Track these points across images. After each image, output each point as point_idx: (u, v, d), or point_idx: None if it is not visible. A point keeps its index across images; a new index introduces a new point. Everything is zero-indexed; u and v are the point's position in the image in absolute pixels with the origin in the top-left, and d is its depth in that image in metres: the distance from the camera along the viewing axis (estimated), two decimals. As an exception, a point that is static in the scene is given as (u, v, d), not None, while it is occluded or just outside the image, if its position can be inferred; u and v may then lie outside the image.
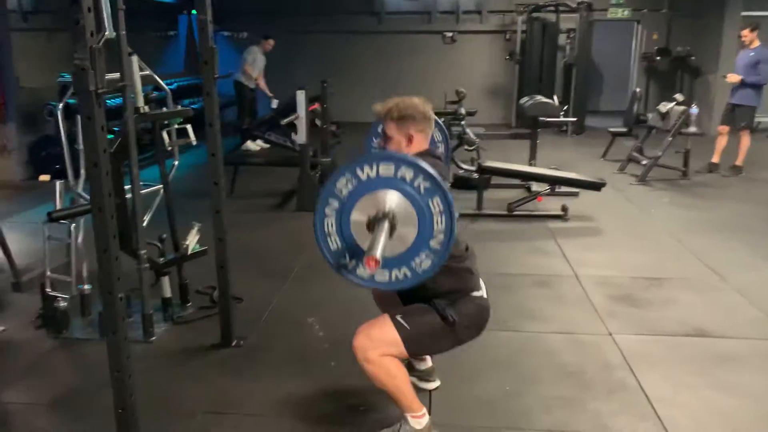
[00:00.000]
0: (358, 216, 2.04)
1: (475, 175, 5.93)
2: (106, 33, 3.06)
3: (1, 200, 6.20)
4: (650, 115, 8.14)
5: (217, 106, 3.05)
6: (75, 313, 3.51)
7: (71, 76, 1.93)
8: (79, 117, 2.09)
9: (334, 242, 2.10)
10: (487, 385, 2.89)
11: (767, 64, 7.11)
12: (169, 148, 3.68)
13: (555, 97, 9.22)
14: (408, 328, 2.28)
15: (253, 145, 8.82)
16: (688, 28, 11.26)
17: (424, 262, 2.06)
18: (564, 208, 5.68)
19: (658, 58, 11.44)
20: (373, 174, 2.01)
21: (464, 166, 6.12)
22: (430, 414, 2.60)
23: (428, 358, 2.84)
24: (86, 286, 3.55)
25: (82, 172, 3.39)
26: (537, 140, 6.92)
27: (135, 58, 3.28)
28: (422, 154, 2.33)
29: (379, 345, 2.27)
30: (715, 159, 7.61)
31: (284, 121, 5.94)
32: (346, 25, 12.05)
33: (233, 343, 3.28)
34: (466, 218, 5.64)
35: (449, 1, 11.98)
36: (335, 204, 2.05)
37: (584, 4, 10.47)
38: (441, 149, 3.36)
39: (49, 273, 3.49)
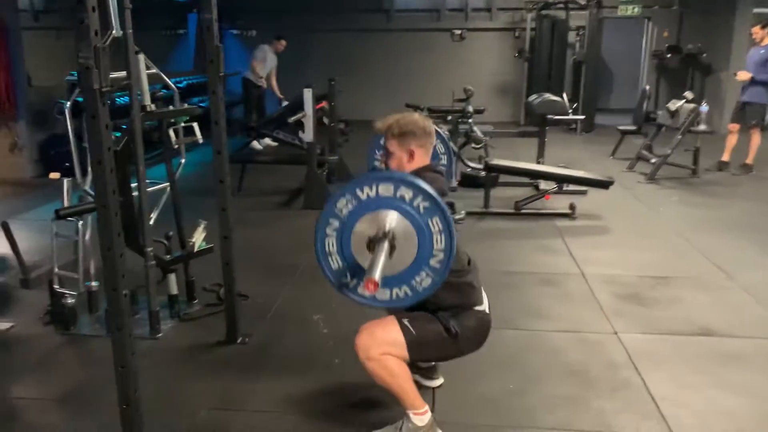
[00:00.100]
0: (359, 236, 2.08)
1: (483, 174, 5.92)
2: (113, 32, 3.11)
3: (12, 198, 6.26)
4: (660, 113, 8.10)
5: (224, 104, 3.06)
6: (82, 310, 3.54)
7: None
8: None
9: (335, 261, 2.13)
10: (491, 384, 2.89)
11: (778, 62, 7.05)
12: (176, 146, 3.70)
13: (564, 95, 9.20)
14: (413, 332, 2.31)
15: (257, 145, 8.84)
16: (699, 25, 11.19)
17: (424, 281, 2.10)
18: (572, 207, 5.66)
19: (669, 55, 11.38)
20: (372, 194, 2.04)
21: (471, 164, 6.11)
22: (433, 411, 2.61)
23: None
24: (93, 283, 3.58)
25: (89, 170, 3.42)
26: (545, 138, 6.89)
27: (142, 57, 3.30)
28: (423, 170, 2.37)
29: (382, 344, 2.28)
30: (726, 157, 7.56)
31: (291, 119, 5.96)
32: (356, 23, 12.07)
33: (239, 340, 3.30)
34: (473, 216, 5.65)
35: (458, -1, 12.00)
36: (336, 224, 2.08)
37: (594, 1, 10.42)
38: (444, 161, 3.38)
39: (56, 270, 3.52)
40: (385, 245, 1.98)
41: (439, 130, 3.34)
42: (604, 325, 3.51)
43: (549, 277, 4.26)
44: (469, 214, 5.67)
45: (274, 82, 9.85)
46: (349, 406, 2.73)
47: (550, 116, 6.87)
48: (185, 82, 10.10)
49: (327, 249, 2.12)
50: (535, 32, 11.37)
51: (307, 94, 5.62)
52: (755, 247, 4.82)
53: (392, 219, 2.03)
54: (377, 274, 1.87)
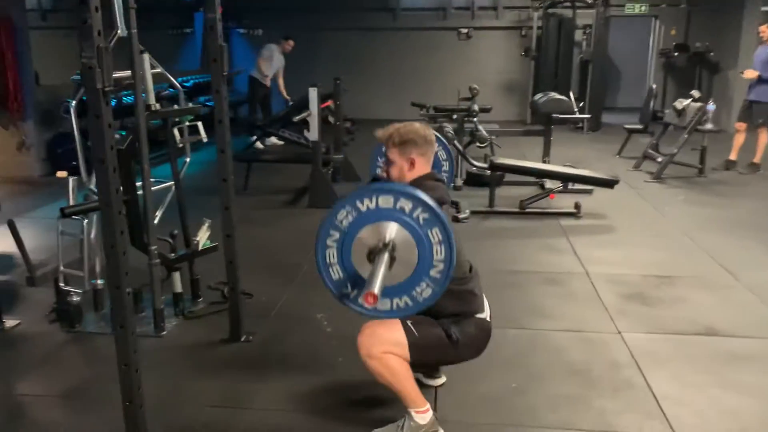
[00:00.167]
0: (359, 247, 2.10)
1: (488, 173, 5.92)
2: (118, 31, 3.13)
3: (20, 196, 6.30)
4: (667, 112, 8.07)
5: (227, 103, 3.07)
6: (88, 308, 3.57)
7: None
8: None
9: (336, 272, 2.16)
10: (493, 383, 2.89)
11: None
12: (180, 145, 3.71)
13: (571, 94, 9.17)
14: (416, 334, 2.33)
15: (260, 145, 8.86)
16: (707, 24, 11.14)
17: (424, 291, 2.12)
18: (577, 206, 5.65)
19: (676, 54, 11.32)
20: (372, 205, 2.07)
21: (476, 163, 6.10)
22: (435, 410, 2.62)
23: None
24: (99, 281, 3.61)
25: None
26: (551, 137, 6.87)
27: (146, 56, 3.31)
28: (424, 178, 2.40)
29: (384, 343, 2.29)
30: (733, 156, 7.53)
31: (296, 118, 5.97)
32: (362, 22, 12.07)
33: (242, 338, 3.32)
34: (477, 215, 5.65)
35: (464, -3, 11.98)
36: (336, 235, 2.11)
37: (601, -1, 10.39)
38: (446, 167, 3.39)
39: (62, 268, 3.55)
40: (385, 257, 2.01)
41: (440, 136, 3.36)
42: (607, 324, 3.51)
43: (553, 276, 4.25)
44: (473, 213, 5.67)
45: (281, 83, 9.86)
46: (352, 404, 2.74)
47: (555, 115, 6.84)
48: (192, 81, 10.14)
49: (328, 260, 2.15)
50: (541, 31, 11.34)
51: (312, 93, 5.63)
52: (761, 246, 4.79)
53: (392, 230, 2.06)
54: (376, 288, 1.89)
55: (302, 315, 3.60)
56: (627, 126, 8.56)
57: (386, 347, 2.28)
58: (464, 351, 2.44)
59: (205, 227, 3.70)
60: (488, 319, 2.52)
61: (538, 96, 7.45)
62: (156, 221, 3.55)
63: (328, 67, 10.40)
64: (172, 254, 3.61)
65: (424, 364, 2.56)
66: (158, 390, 2.78)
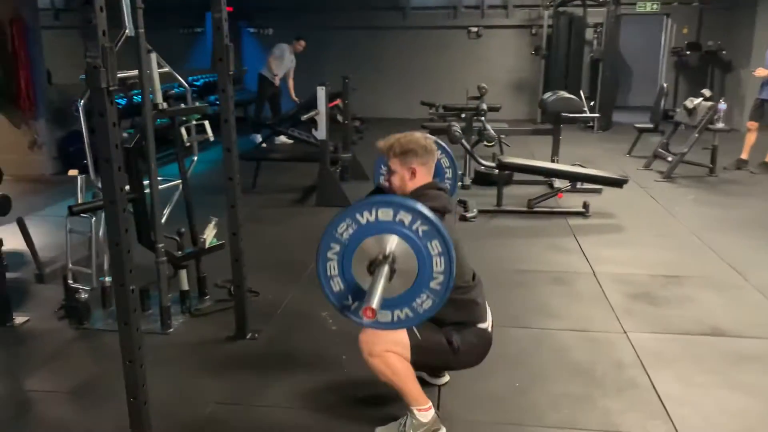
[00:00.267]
0: (360, 259, 2.12)
1: (496, 171, 5.91)
2: (126, 31, 3.16)
3: (31, 194, 6.36)
4: (678, 111, 8.02)
5: (233, 102, 3.09)
6: (96, 305, 3.60)
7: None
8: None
9: (337, 284, 2.18)
10: (497, 382, 2.89)
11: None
12: (188, 144, 3.74)
13: (581, 93, 9.13)
14: (419, 337, 2.35)
15: (259, 138, 8.90)
16: (720, 22, 11.05)
17: (425, 303, 2.14)
18: (585, 205, 5.63)
19: (688, 52, 11.24)
20: (372, 218, 2.09)
21: (484, 162, 6.10)
22: (438, 408, 2.63)
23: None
24: (107, 279, 3.64)
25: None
26: (560, 136, 6.85)
27: (154, 56, 3.34)
28: (426, 187, 2.42)
29: (386, 342, 2.31)
30: (744, 155, 7.46)
31: (304, 117, 5.99)
32: (372, 21, 12.08)
33: (248, 336, 3.34)
34: (485, 214, 5.64)
35: (475, -4, 11.96)
36: (337, 247, 2.13)
37: (612, -3, 10.33)
38: (449, 174, 3.40)
39: (70, 265, 3.59)
40: (385, 269, 2.02)
41: (443, 144, 3.36)
42: (613, 324, 3.50)
43: (560, 275, 4.24)
44: (481, 212, 5.66)
45: (290, 84, 9.88)
46: (355, 402, 2.75)
47: (564, 114, 6.81)
48: (202, 80, 10.19)
49: (329, 272, 2.17)
50: (552, 29, 11.30)
51: (320, 92, 5.64)
52: (771, 246, 4.76)
53: (392, 243, 2.08)
54: (375, 302, 1.91)
55: (308, 313, 3.62)
56: (637, 125, 8.51)
57: (388, 346, 2.29)
58: (464, 359, 2.47)
59: (211, 225, 3.72)
60: (489, 329, 2.54)
61: (547, 95, 7.44)
62: (163, 219, 3.58)
63: (337, 66, 10.42)
64: (179, 252, 3.64)
65: (423, 366, 2.57)
66: (164, 386, 2.81)
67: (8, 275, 3.60)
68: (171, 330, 3.43)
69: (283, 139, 8.75)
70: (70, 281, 3.54)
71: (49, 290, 3.82)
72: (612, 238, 5.08)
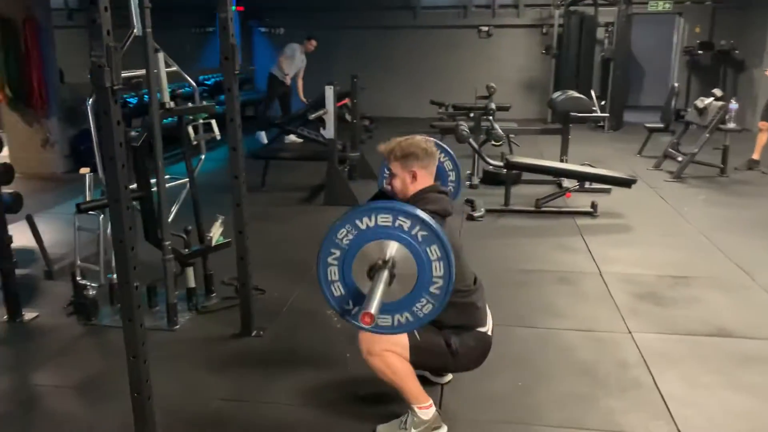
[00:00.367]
0: (360, 264, 2.13)
1: (504, 171, 5.90)
2: (135, 30, 3.19)
3: (43, 192, 6.43)
4: (689, 110, 7.96)
5: (238, 101, 3.11)
6: (104, 302, 3.64)
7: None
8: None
9: (338, 289, 2.20)
10: (500, 381, 2.90)
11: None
12: (195, 143, 3.77)
13: (592, 92, 9.09)
14: (418, 338, 2.37)
15: (264, 139, 8.96)
16: (733, 21, 10.95)
17: (425, 307, 2.15)
18: (593, 205, 5.61)
19: (700, 52, 11.15)
20: (372, 224, 2.10)
21: (492, 162, 6.09)
22: (440, 407, 2.65)
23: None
24: (114, 276, 3.67)
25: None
26: (568, 136, 6.83)
27: (161, 55, 3.37)
28: (427, 191, 2.43)
29: (385, 341, 2.32)
30: (756, 156, 7.40)
31: (312, 116, 6.01)
32: (382, 20, 12.09)
33: (253, 333, 3.37)
34: (493, 214, 5.64)
35: (485, -4, 11.94)
36: (337, 253, 2.15)
37: (623, -4, 10.27)
38: (453, 177, 3.40)
39: (79, 262, 3.63)
40: (384, 275, 2.04)
41: (446, 147, 3.36)
42: (618, 324, 3.49)
43: (566, 275, 4.24)
44: (489, 211, 5.66)
45: (300, 84, 9.91)
46: (358, 400, 2.76)
47: (573, 114, 6.79)
48: (213, 80, 10.25)
49: (329, 277, 2.19)
50: (562, 29, 11.25)
51: (329, 92, 5.66)
52: (781, 247, 4.72)
53: (392, 248, 2.10)
54: (373, 308, 1.92)
55: (313, 311, 3.63)
56: (648, 125, 8.47)
57: (386, 345, 2.31)
58: (462, 362, 2.48)
59: (218, 224, 3.75)
60: (489, 333, 2.55)
61: (556, 94, 7.41)
62: (171, 217, 3.61)
63: (348, 65, 10.44)
64: (186, 250, 3.67)
65: (421, 367, 2.58)
66: (169, 383, 2.84)
67: (18, 271, 3.65)
68: (177, 327, 3.46)
69: (292, 138, 8.78)
70: (79, 278, 3.58)
71: (58, 287, 3.87)
72: (620, 238, 5.06)
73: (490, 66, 11.74)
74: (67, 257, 4.00)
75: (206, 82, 9.92)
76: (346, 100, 6.99)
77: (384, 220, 2.09)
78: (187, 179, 3.84)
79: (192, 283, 3.69)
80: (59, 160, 7.38)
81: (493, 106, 6.84)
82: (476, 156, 6.52)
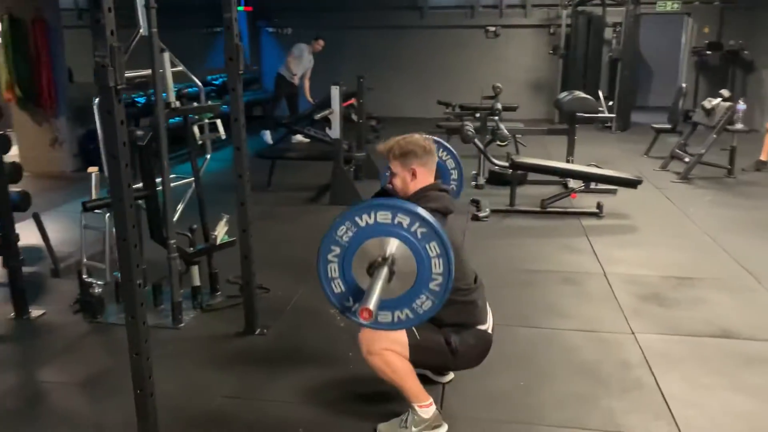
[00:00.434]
0: (360, 261, 2.15)
1: (509, 171, 5.90)
2: (141, 30, 3.22)
3: (52, 191, 6.49)
4: (696, 111, 7.93)
5: (242, 101, 3.14)
6: (110, 299, 3.67)
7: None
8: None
9: (338, 286, 2.22)
10: (501, 380, 2.90)
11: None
12: (200, 142, 3.80)
13: (600, 93, 9.07)
14: (417, 337, 2.38)
15: (269, 139, 8.99)
16: (742, 21, 10.89)
17: (425, 304, 2.17)
18: (599, 206, 5.60)
19: (709, 52, 11.10)
20: (371, 221, 2.12)
21: (497, 162, 6.09)
22: (441, 406, 2.66)
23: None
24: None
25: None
26: (574, 136, 6.82)
27: (167, 55, 3.40)
28: (428, 189, 2.44)
29: (385, 340, 2.34)
30: (764, 156, 7.37)
31: (318, 116, 6.04)
32: (389, 20, 12.10)
33: (257, 332, 3.39)
34: (498, 214, 5.64)
35: (493, -4, 11.93)
36: (337, 250, 2.18)
37: (631, -4, 10.23)
38: (455, 175, 3.41)
39: (85, 260, 3.66)
40: (384, 272, 2.06)
41: (448, 146, 3.37)
42: (621, 324, 3.48)
43: (570, 275, 4.23)
44: (494, 211, 5.66)
45: (306, 84, 9.93)
46: (359, 399, 2.78)
47: (579, 114, 6.78)
48: (221, 80, 10.28)
49: (329, 274, 2.21)
50: (570, 29, 11.22)
51: (334, 92, 5.68)
52: (788, 249, 4.70)
53: (391, 245, 2.11)
54: (372, 304, 1.94)
55: (317, 310, 3.65)
56: (655, 125, 8.44)
57: (386, 344, 2.32)
58: (462, 360, 2.49)
59: (222, 222, 3.78)
60: (489, 331, 2.55)
61: (562, 95, 7.40)
62: (176, 216, 3.64)
63: (355, 65, 10.47)
64: (191, 248, 3.69)
65: (422, 366, 2.59)
66: (172, 380, 2.87)
67: (25, 269, 3.69)
68: (182, 325, 3.49)
69: (299, 138, 8.81)
70: (85, 276, 3.61)
71: (65, 284, 3.91)
72: (625, 238, 5.05)
73: (498, 66, 11.73)
74: (73, 255, 4.04)
75: (214, 82, 9.95)
76: (353, 100, 7.00)
77: (383, 217, 2.11)
78: (192, 178, 3.87)
79: (197, 282, 3.72)
80: (68, 159, 7.44)
81: (499, 106, 6.84)
82: (482, 156, 6.52)
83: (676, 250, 4.74)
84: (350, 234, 2.14)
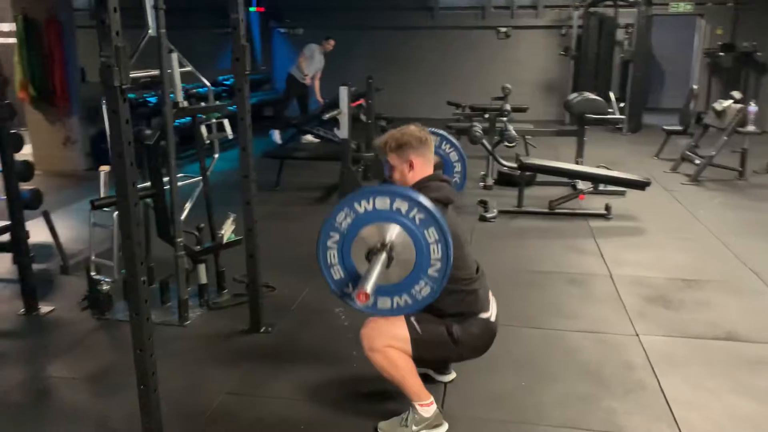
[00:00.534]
0: (358, 247, 2.17)
1: (518, 172, 5.90)
2: (150, 31, 3.26)
3: (64, 189, 6.56)
4: (708, 113, 7.88)
5: (249, 101, 3.16)
6: (118, 296, 3.71)
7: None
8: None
9: (337, 272, 2.25)
10: (503, 380, 2.91)
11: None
12: (207, 142, 3.83)
13: (611, 94, 9.02)
14: (419, 332, 2.38)
15: (279, 139, 9.04)
16: (756, 23, 10.80)
17: (423, 290, 2.18)
18: (607, 207, 5.59)
19: (722, 54, 11.02)
20: (370, 207, 2.14)
21: (505, 163, 6.09)
22: (443, 405, 2.67)
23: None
24: (128, 271, 3.75)
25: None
26: (584, 137, 6.80)
27: (175, 55, 3.44)
28: (428, 179, 2.45)
29: (387, 337, 2.35)
30: (775, 159, 7.31)
31: (326, 116, 6.06)
32: (400, 20, 12.12)
33: (262, 330, 3.42)
34: (506, 215, 5.64)
35: (504, -3, 11.92)
36: (336, 236, 2.19)
37: (643, -3, 10.18)
38: (458, 168, 3.41)
39: (93, 258, 3.71)
40: (382, 257, 2.07)
41: (452, 139, 3.38)
42: (625, 326, 3.48)
43: (576, 277, 4.23)
44: (502, 212, 5.66)
45: (317, 84, 9.97)
46: (361, 397, 2.80)
47: (588, 115, 6.76)
48: (232, 80, 10.33)
49: (329, 261, 2.23)
50: (582, 30, 11.18)
51: (343, 92, 5.70)
52: (797, 252, 4.67)
53: (389, 231, 2.13)
54: (369, 286, 1.96)
55: (322, 308, 3.68)
56: (666, 127, 8.40)
57: (388, 341, 2.33)
58: (466, 350, 2.48)
59: (229, 221, 3.81)
60: (492, 318, 2.54)
61: (572, 96, 7.37)
62: (184, 215, 3.67)
63: (366, 65, 10.49)
64: (198, 247, 3.73)
65: (426, 360, 2.59)
66: (177, 376, 2.91)
67: (35, 266, 3.74)
68: (188, 322, 3.52)
69: (309, 138, 8.85)
70: (93, 273, 3.66)
71: (74, 281, 3.97)
72: (632, 240, 5.03)
73: (509, 67, 11.71)
74: (83, 253, 4.09)
75: (225, 82, 10.02)
76: (362, 101, 7.02)
77: (382, 203, 2.13)
78: (199, 177, 3.91)
79: (204, 280, 3.75)
80: (80, 157, 7.52)
81: (507, 107, 6.83)
82: (490, 157, 6.52)
83: (684, 252, 4.72)
84: (349, 220, 2.16)
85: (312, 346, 3.30)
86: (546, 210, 5.68)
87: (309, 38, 10.26)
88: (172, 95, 3.42)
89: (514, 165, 5.87)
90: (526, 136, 8.02)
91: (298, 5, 12.09)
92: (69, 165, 7.41)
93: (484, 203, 5.78)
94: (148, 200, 3.62)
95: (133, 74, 2.10)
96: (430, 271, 2.14)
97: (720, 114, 7.15)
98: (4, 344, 3.40)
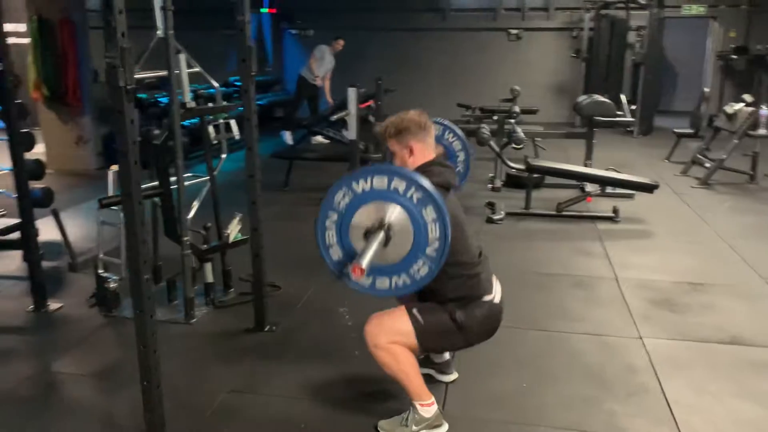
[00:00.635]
0: (357, 227, 2.18)
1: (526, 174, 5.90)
2: (158, 32, 3.30)
3: (76, 188, 6.63)
4: (719, 116, 7.83)
5: (254, 102, 3.20)
6: (125, 294, 3.74)
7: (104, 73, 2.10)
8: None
9: (336, 253, 2.26)
10: (505, 381, 2.92)
11: None
12: (215, 142, 3.87)
13: (622, 97, 8.99)
14: (422, 322, 2.37)
15: (290, 139, 9.08)
16: (769, 26, 10.73)
17: (421, 269, 2.18)
18: (615, 210, 5.57)
19: (735, 57, 10.94)
20: (368, 187, 2.15)
21: (513, 165, 6.09)
22: (444, 406, 2.68)
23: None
24: (136, 269, 3.79)
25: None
26: (593, 140, 6.78)
27: (183, 56, 3.47)
28: (429, 164, 2.44)
29: (390, 333, 2.36)
30: (787, 163, 7.25)
31: (334, 117, 6.09)
32: (411, 22, 12.15)
33: (266, 328, 3.44)
34: (513, 217, 5.64)
35: (515, -2, 11.91)
36: (334, 216, 2.20)
37: (655, 0, 10.12)
38: (462, 157, 3.42)
39: (101, 255, 3.75)
40: (380, 235, 2.07)
41: (454, 127, 3.39)
42: (629, 329, 3.47)
43: (581, 279, 4.22)
44: (509, 214, 5.66)
45: (327, 85, 10.01)
46: (362, 396, 2.82)
47: (597, 117, 6.74)
48: (242, 81, 10.40)
49: (327, 241, 2.24)
50: (593, 32, 11.15)
51: (351, 93, 5.72)
52: (806, 256, 4.63)
53: (387, 210, 2.13)
54: (365, 262, 1.97)
55: (326, 307, 3.70)
56: (677, 130, 8.35)
57: (392, 337, 2.34)
58: (471, 335, 2.44)
59: (235, 221, 3.84)
60: (496, 300, 2.49)
61: (581, 98, 7.36)
62: (191, 214, 3.71)
63: (376, 67, 10.50)
64: (204, 246, 3.76)
65: (433, 350, 2.59)
66: (181, 373, 2.94)
67: (44, 264, 3.79)
68: (194, 320, 3.55)
69: (319, 138, 8.88)
70: (101, 271, 3.70)
71: (82, 279, 4.01)
72: (639, 243, 5.02)
73: (520, 69, 11.70)
74: (91, 251, 4.13)
75: (236, 83, 10.08)
76: (370, 102, 7.04)
77: (379, 182, 2.13)
78: (207, 177, 3.94)
79: (210, 278, 3.78)
80: (92, 157, 7.59)
81: (516, 109, 6.82)
82: (498, 159, 6.52)
83: (691, 255, 4.70)
84: (347, 200, 2.17)
85: (316, 345, 3.32)
86: (554, 212, 5.67)
87: (320, 40, 10.30)
88: (180, 96, 3.46)
89: (523, 167, 5.87)
90: (536, 138, 8.01)
91: (310, 7, 12.14)
92: (81, 164, 7.49)
93: (491, 205, 5.78)
94: (156, 199, 3.66)
95: (142, 75, 2.13)
96: (428, 251, 2.14)
97: (731, 117, 7.11)
98: (13, 340, 3.45)
